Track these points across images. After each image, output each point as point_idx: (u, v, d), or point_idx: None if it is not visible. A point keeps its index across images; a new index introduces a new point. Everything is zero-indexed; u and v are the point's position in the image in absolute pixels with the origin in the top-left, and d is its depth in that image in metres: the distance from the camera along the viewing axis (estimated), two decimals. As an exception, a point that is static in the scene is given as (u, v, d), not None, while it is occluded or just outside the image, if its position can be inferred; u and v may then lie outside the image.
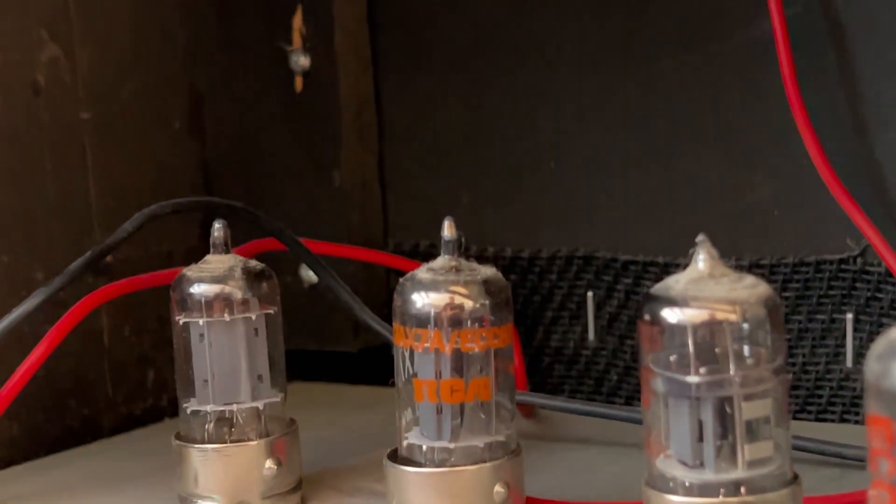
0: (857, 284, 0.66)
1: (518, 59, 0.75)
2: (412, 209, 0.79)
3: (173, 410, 0.78)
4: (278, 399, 0.59)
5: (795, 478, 0.48)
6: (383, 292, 0.78)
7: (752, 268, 0.67)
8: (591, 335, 0.73)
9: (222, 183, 0.79)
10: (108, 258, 0.74)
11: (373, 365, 0.77)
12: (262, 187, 0.79)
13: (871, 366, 0.37)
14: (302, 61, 0.76)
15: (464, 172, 0.77)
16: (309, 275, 0.78)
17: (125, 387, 0.77)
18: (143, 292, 0.75)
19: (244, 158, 0.79)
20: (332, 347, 0.80)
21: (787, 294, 0.67)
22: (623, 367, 0.73)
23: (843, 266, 0.66)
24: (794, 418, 0.67)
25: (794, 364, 0.68)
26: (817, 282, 0.67)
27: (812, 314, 0.67)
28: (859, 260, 0.66)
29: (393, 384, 0.54)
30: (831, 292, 0.67)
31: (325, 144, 0.77)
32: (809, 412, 0.68)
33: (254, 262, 0.59)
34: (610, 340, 0.73)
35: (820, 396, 0.67)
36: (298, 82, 0.77)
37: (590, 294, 0.73)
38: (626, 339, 0.72)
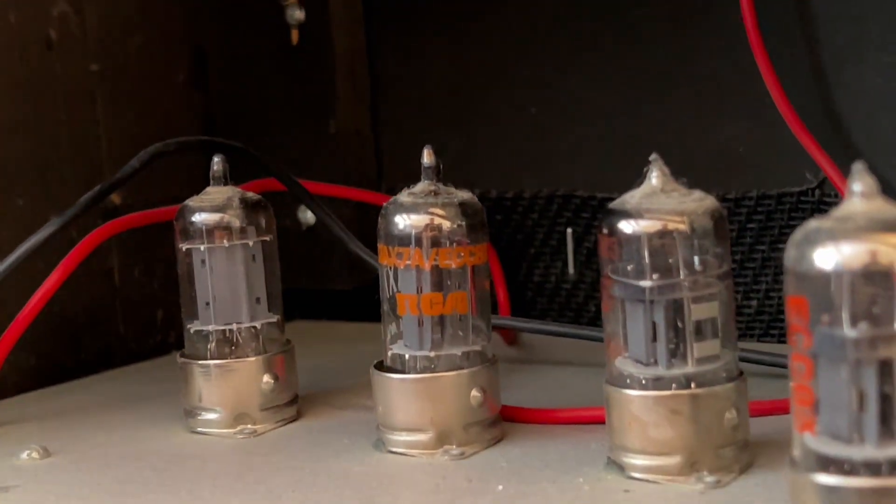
0: (816, 215, 0.70)
1: (500, 13, 0.80)
2: (403, 155, 0.84)
3: (181, 345, 0.83)
4: (275, 320, 0.64)
5: (741, 374, 0.52)
6: (374, 232, 0.82)
7: (720, 202, 0.71)
8: (570, 269, 0.78)
9: (224, 132, 0.84)
10: (117, 202, 0.79)
11: (366, 303, 0.82)
12: (261, 135, 0.83)
13: (790, 252, 0.42)
14: (297, 14, 0.80)
15: (451, 120, 0.82)
16: (307, 217, 0.83)
17: (135, 324, 0.81)
18: (150, 236, 0.80)
19: (244, 108, 0.84)
20: (329, 286, 0.84)
21: (751, 225, 0.72)
22: (600, 299, 0.77)
23: (802, 198, 0.71)
24: (759, 340, 0.72)
25: (758, 291, 0.72)
26: (779, 213, 0.71)
27: (774, 244, 0.72)
28: (817, 192, 0.70)
29: (378, 300, 0.59)
30: (792, 223, 0.71)
31: (321, 94, 0.82)
32: (773, 335, 0.72)
33: (251, 194, 0.64)
34: (589, 274, 0.78)
35: (782, 321, 0.72)
36: (294, 35, 0.81)
37: (569, 231, 0.78)
38: (604, 273, 0.77)
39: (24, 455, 0.60)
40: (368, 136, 0.84)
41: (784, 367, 0.63)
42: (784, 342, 0.71)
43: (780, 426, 0.56)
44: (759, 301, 0.72)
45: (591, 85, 0.77)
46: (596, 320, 0.77)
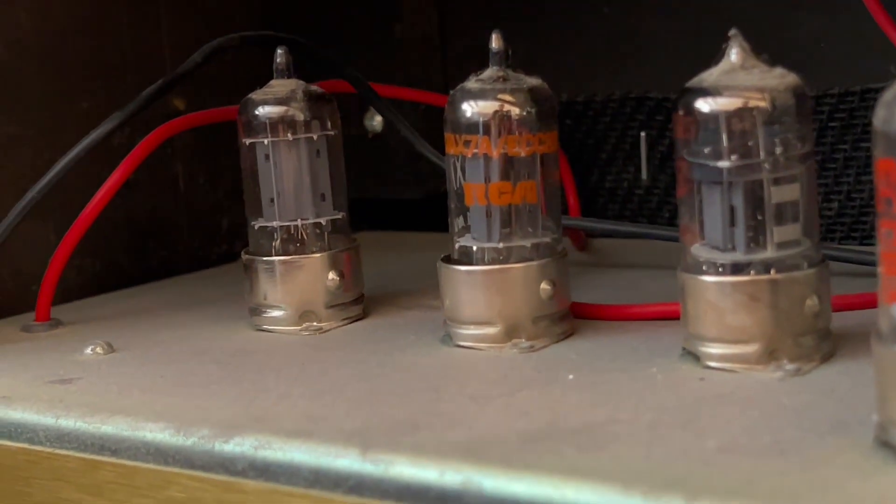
0: (901, 111, 0.67)
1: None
2: (472, 60, 0.81)
3: (246, 255, 0.82)
4: (340, 216, 0.63)
5: (823, 260, 0.50)
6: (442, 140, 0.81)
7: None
8: (644, 174, 0.76)
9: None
10: (182, 107, 0.78)
11: (434, 213, 0.80)
12: (326, 41, 0.81)
13: (879, 112, 0.40)
14: (363, -87, 0.79)
15: (520, 23, 0.79)
16: (373, 125, 0.82)
17: (200, 232, 0.81)
18: (215, 143, 0.79)
19: (309, 14, 0.82)
20: (396, 195, 0.83)
21: (833, 124, 0.69)
22: (675, 204, 0.75)
23: (887, 94, 0.68)
24: (840, 243, 0.70)
25: (839, 192, 0.70)
26: (862, 111, 0.69)
27: (857, 143, 0.69)
28: (903, 87, 0.67)
29: (445, 192, 0.57)
30: (876, 121, 0.68)
31: (387, -2, 0.80)
32: (854, 238, 0.70)
33: (315, 87, 0.62)
34: (662, 179, 0.75)
35: (864, 223, 0.69)
36: (360, -64, 0.79)
37: (643, 134, 0.75)
38: (678, 177, 0.75)
39: (88, 350, 0.59)
40: (435, 40, 0.82)
41: (869, 264, 0.61)
42: (867, 244, 0.69)
43: (864, 320, 0.54)
44: (840, 203, 0.70)
45: (665, -18, 0.74)
46: (669, 226, 0.75)
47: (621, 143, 0.77)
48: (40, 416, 0.52)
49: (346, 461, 0.44)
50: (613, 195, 0.77)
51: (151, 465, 0.49)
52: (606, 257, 0.72)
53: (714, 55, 0.72)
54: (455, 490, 0.42)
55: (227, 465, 0.47)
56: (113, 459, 0.50)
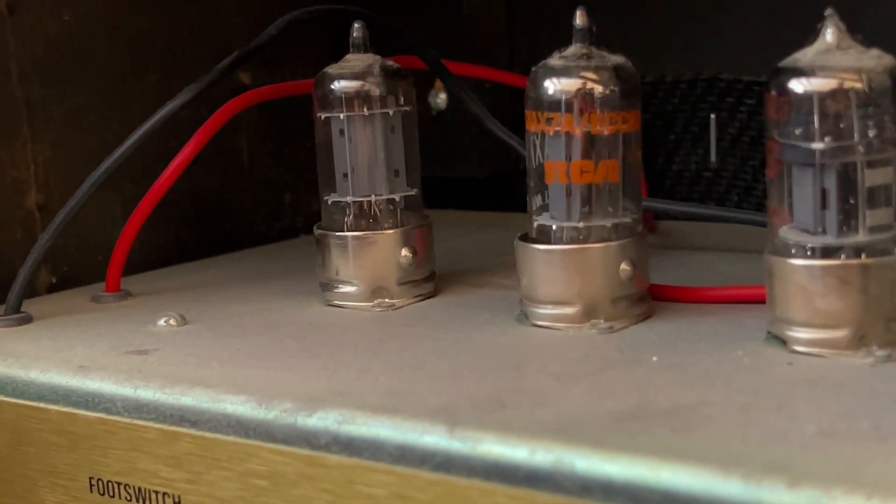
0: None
1: None
2: (537, 37, 0.81)
3: (308, 230, 0.82)
4: (413, 193, 0.62)
5: (915, 245, 0.49)
6: (508, 119, 0.80)
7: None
8: (713, 157, 0.75)
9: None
10: (247, 82, 0.78)
11: (499, 192, 0.80)
12: (391, 16, 0.81)
13: None
14: None
15: (588, 0, 0.78)
16: (437, 102, 0.81)
17: (263, 207, 0.80)
18: (280, 117, 0.79)
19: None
20: (459, 174, 0.82)
21: (910, 109, 0.68)
22: (744, 187, 0.74)
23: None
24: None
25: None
26: (941, 96, 0.68)
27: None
28: (984, 72, 0.66)
29: (524, 169, 0.57)
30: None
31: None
32: (929, 225, 0.69)
33: (391, 62, 0.62)
34: (731, 162, 0.75)
35: (940, 210, 0.68)
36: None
37: (712, 116, 0.74)
38: (748, 160, 0.74)
39: (162, 322, 0.59)
40: (501, 16, 0.81)
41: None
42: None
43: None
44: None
45: (739, -38, 0.73)
46: (744, 210, 0.75)
47: (690, 125, 0.76)
48: (118, 387, 0.52)
49: (433, 438, 0.44)
50: (680, 177, 0.76)
51: (232, 438, 0.49)
52: (675, 239, 0.71)
53: (788, 35, 0.72)
54: (546, 469, 0.42)
55: (310, 440, 0.47)
56: (192, 431, 0.50)
